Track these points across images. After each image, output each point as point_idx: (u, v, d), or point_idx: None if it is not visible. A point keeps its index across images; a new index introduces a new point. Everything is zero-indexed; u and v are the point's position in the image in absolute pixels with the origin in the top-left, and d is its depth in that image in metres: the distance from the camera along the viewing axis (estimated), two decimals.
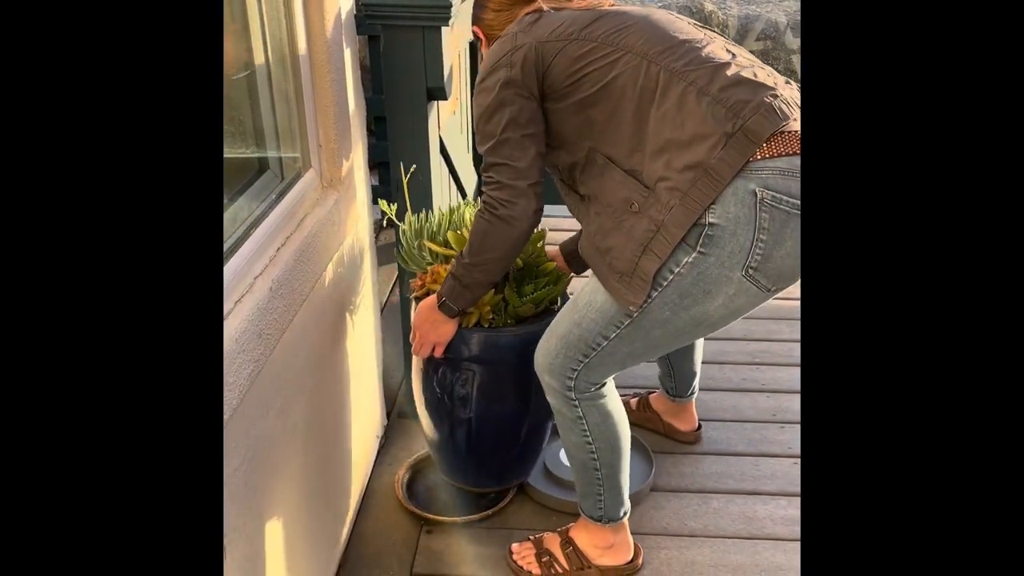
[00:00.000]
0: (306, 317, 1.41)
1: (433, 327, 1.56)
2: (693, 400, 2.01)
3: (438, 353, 1.60)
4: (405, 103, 1.81)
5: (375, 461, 1.98)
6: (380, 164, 2.92)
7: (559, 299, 1.71)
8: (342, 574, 1.66)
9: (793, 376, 2.30)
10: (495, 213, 1.38)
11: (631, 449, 1.83)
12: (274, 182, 1.39)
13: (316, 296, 1.46)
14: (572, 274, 1.74)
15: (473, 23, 1.52)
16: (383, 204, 1.84)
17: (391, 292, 2.67)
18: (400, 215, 1.74)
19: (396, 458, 1.99)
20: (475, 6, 1.50)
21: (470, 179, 2.93)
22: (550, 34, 1.32)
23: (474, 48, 2.96)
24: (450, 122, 2.53)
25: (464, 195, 2.84)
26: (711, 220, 1.24)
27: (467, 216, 1.71)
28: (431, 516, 1.78)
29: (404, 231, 1.73)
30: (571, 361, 1.44)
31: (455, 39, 2.22)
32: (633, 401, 2.10)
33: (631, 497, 1.81)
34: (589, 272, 1.46)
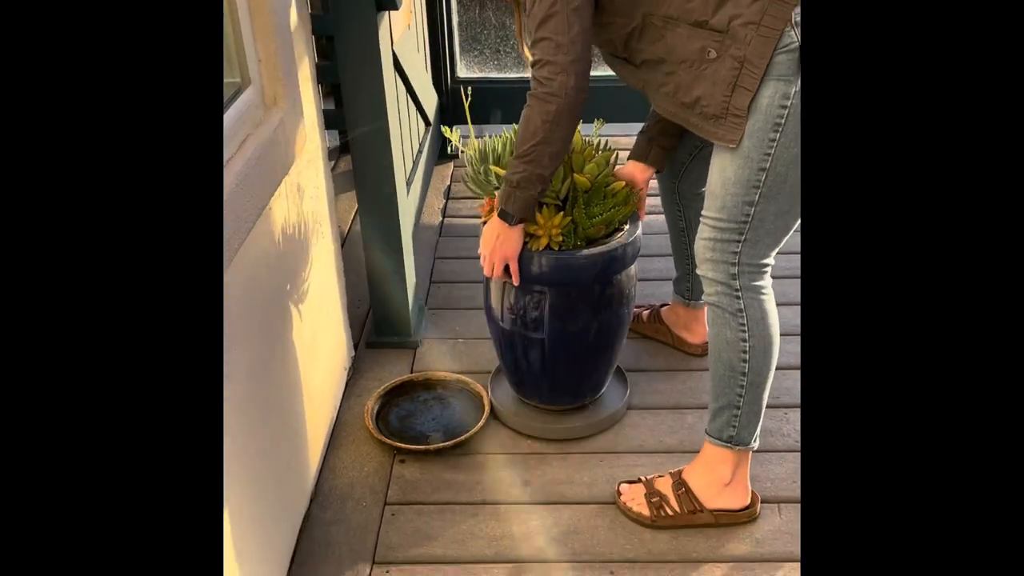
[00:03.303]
0: (255, 247, 1.33)
1: (499, 242, 1.55)
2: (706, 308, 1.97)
3: (513, 273, 1.58)
4: (353, 15, 1.70)
5: (344, 393, 1.93)
6: (336, 88, 2.80)
7: (628, 219, 1.68)
8: (313, 508, 1.63)
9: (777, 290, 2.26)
10: (534, 94, 1.41)
11: (609, 370, 1.81)
12: None
13: (265, 224, 1.38)
14: (642, 190, 1.71)
15: None
16: (446, 130, 1.78)
17: (352, 222, 2.59)
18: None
19: (365, 389, 1.95)
20: None
21: (430, 99, 2.81)
22: None
23: None
24: (405, 38, 2.41)
25: (424, 116, 2.73)
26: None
27: None
28: (403, 445, 1.74)
29: (469, 156, 1.72)
30: (730, 244, 1.41)
31: None
32: (644, 313, 2.08)
33: (607, 419, 1.80)
34: (711, 165, 1.42)
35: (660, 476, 1.62)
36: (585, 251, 1.59)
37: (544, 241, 1.58)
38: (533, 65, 1.41)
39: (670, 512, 1.56)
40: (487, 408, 1.82)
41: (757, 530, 1.55)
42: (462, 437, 1.74)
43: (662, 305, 2.08)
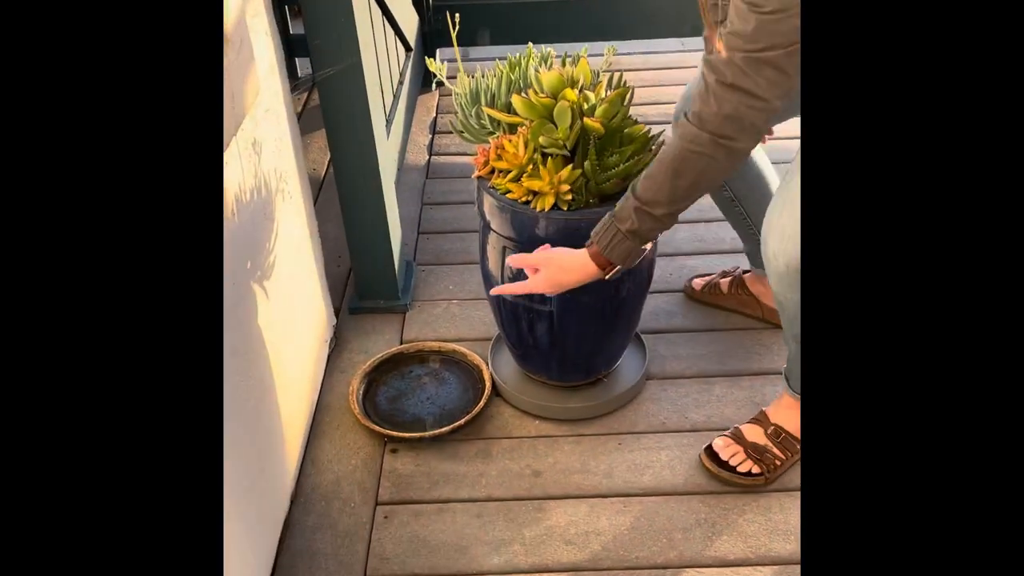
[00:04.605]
0: None
1: (569, 279, 1.25)
2: None
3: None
4: None
5: (325, 370, 1.71)
6: None
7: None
8: (295, 512, 1.43)
9: None
10: (730, 145, 1.04)
11: (626, 342, 1.60)
12: None
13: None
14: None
15: None
16: (430, 63, 1.51)
17: (330, 164, 2.32)
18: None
19: (350, 363, 1.72)
20: None
21: (409, 21, 2.50)
22: None
23: None
24: None
25: (404, 41, 2.42)
26: None
27: (530, 72, 1.39)
28: (394, 433, 1.53)
29: (458, 96, 1.45)
30: None
31: None
32: (723, 282, 1.78)
33: (624, 394, 1.60)
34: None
35: (743, 426, 1.47)
36: (598, 210, 1.34)
37: (550, 200, 1.33)
38: (730, 84, 1.02)
39: (778, 463, 1.42)
40: (488, 385, 1.61)
41: None
42: (461, 421, 1.53)
43: (744, 272, 1.78)
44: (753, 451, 1.43)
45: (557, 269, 1.25)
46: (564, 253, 1.25)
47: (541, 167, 1.32)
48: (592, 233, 1.21)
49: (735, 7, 1.01)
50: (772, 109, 1.02)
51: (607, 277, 1.22)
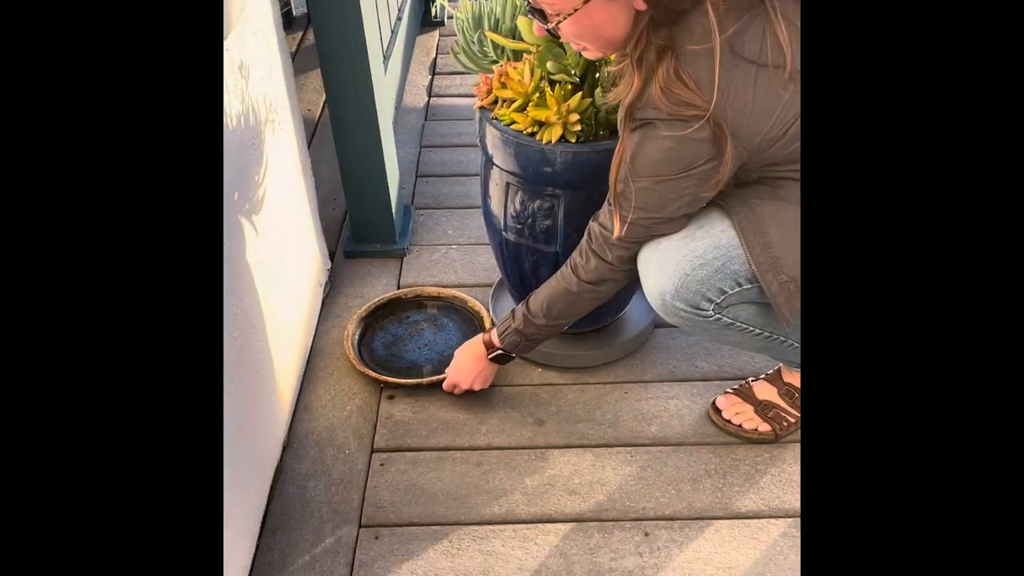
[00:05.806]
0: None
1: (480, 376, 1.41)
2: None
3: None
4: None
5: (320, 315, 1.64)
6: None
7: None
8: (287, 458, 1.37)
9: None
10: (596, 291, 1.22)
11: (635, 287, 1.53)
12: None
13: None
14: None
15: None
16: None
17: (325, 105, 2.22)
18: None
19: (345, 308, 1.65)
20: None
21: None
22: None
23: None
24: None
25: None
26: None
27: None
28: (391, 379, 1.47)
29: (460, 21, 1.36)
30: (724, 280, 1.11)
31: None
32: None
33: (631, 341, 1.53)
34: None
35: (754, 382, 1.41)
36: (608, 142, 1.26)
37: (558, 130, 1.24)
38: (591, 250, 1.18)
39: (791, 419, 1.36)
40: None
41: None
42: None
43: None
44: (762, 409, 1.37)
45: (457, 354, 1.41)
46: (468, 342, 1.42)
47: (548, 95, 1.24)
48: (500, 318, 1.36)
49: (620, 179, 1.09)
50: (622, 276, 1.19)
51: (489, 358, 1.36)
